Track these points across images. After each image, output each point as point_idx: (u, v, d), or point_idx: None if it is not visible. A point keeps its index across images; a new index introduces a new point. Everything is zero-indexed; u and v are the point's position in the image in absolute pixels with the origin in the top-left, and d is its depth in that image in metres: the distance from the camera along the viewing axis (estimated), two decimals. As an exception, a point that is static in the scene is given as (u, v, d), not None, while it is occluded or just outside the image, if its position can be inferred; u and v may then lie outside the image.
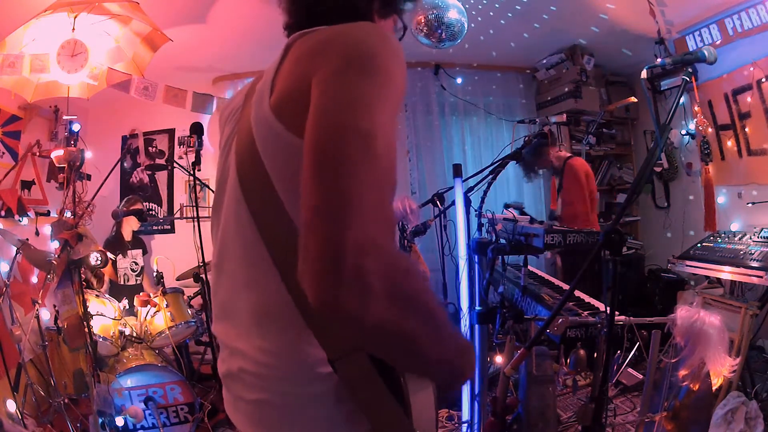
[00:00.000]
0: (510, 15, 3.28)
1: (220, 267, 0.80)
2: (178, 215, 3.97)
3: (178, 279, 3.26)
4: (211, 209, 0.87)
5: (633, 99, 3.74)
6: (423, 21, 2.67)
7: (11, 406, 2.38)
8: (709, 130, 3.33)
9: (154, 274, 3.19)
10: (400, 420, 0.64)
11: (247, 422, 0.74)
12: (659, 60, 1.42)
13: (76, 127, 2.68)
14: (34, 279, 2.97)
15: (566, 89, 3.98)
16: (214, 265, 0.82)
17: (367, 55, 0.61)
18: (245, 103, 0.76)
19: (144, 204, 3.87)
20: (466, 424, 2.15)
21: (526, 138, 2.22)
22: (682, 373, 1.73)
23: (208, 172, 3.93)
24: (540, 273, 2.59)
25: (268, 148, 0.66)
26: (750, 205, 3.07)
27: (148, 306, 2.82)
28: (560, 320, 1.59)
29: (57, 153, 2.73)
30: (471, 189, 2.21)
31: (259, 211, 0.69)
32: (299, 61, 0.66)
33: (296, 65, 0.66)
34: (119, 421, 2.33)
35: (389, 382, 0.64)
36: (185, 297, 3.03)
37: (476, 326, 2.01)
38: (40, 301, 2.57)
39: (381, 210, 0.55)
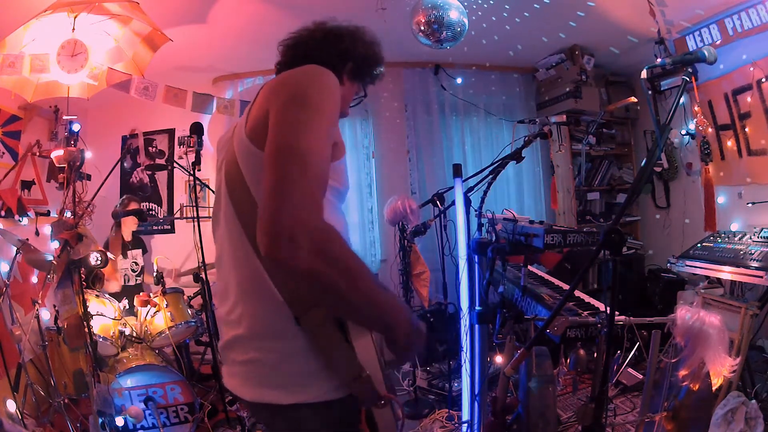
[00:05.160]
0: (508, 12, 3.28)
1: (220, 259, 1.03)
2: (178, 215, 3.97)
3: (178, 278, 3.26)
4: (212, 217, 1.08)
5: (633, 99, 3.73)
6: (423, 21, 2.67)
7: (11, 406, 2.39)
8: (709, 130, 3.32)
9: (155, 274, 3.19)
10: (351, 357, 0.87)
11: (240, 383, 0.95)
12: (659, 60, 1.42)
13: (76, 127, 2.67)
14: (34, 279, 2.97)
15: (566, 89, 3.97)
16: (216, 260, 1.06)
17: (302, 93, 0.87)
18: (233, 134, 1.00)
19: (142, 204, 3.88)
20: (466, 424, 2.15)
21: (526, 138, 2.22)
22: (682, 373, 1.72)
23: (208, 172, 3.94)
24: (540, 273, 2.58)
25: (244, 160, 0.92)
26: (750, 205, 3.07)
27: (148, 306, 2.82)
28: (560, 320, 1.59)
29: (57, 153, 2.73)
30: (471, 189, 2.21)
31: (240, 208, 0.93)
32: (264, 99, 0.91)
33: (262, 102, 0.91)
34: (119, 421, 2.33)
35: (341, 332, 0.87)
36: (185, 297, 3.04)
37: (476, 326, 2.01)
38: (40, 301, 2.57)
39: (309, 197, 0.78)
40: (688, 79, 1.30)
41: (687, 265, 2.77)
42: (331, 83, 0.90)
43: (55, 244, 2.48)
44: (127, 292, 3.19)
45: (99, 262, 2.46)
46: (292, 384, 0.89)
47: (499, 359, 2.18)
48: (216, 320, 1.15)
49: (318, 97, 0.87)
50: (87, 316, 2.38)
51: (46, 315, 2.76)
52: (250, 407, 0.98)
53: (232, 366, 0.97)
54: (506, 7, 3.18)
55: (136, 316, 2.90)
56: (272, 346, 0.90)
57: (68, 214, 2.72)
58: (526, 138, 2.20)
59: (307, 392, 0.89)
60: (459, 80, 4.25)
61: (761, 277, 2.25)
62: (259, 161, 0.86)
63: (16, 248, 2.61)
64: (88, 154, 2.96)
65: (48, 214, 3.36)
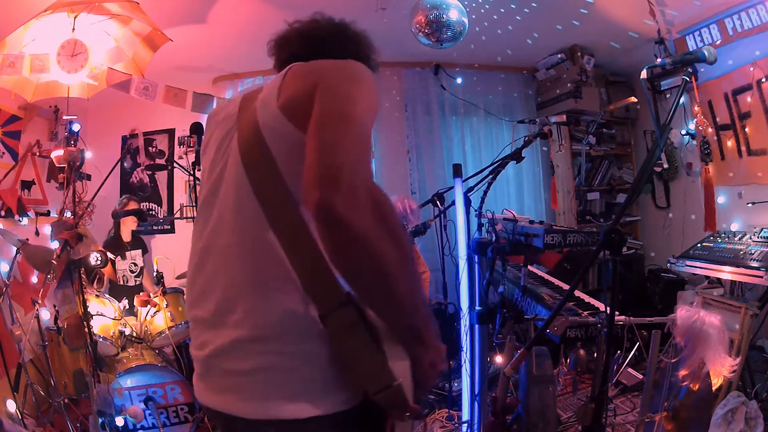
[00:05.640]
0: (508, 12, 3.28)
1: (207, 251, 0.89)
2: (178, 215, 3.97)
3: (178, 279, 3.26)
4: (200, 203, 0.95)
5: (633, 99, 3.73)
6: (423, 21, 2.67)
7: (11, 406, 2.38)
8: (709, 130, 3.32)
9: (155, 273, 3.19)
10: (382, 364, 0.75)
11: (237, 398, 0.79)
12: (659, 60, 1.42)
13: (76, 127, 2.67)
14: (34, 279, 2.97)
15: (566, 89, 3.97)
16: (198, 252, 0.91)
17: (355, 76, 0.85)
18: (243, 110, 0.93)
19: (141, 203, 3.87)
20: (466, 424, 2.15)
21: (526, 138, 2.22)
22: (682, 373, 1.72)
23: (208, 172, 3.93)
24: (540, 273, 2.58)
25: (275, 137, 0.83)
26: (750, 205, 3.07)
27: (148, 306, 2.82)
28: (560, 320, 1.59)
29: (57, 153, 2.73)
30: (471, 189, 2.21)
31: (262, 190, 0.82)
32: (305, 77, 0.86)
33: (302, 79, 0.85)
34: (119, 421, 2.33)
35: (371, 336, 0.75)
36: (185, 297, 3.03)
37: (476, 326, 2.01)
38: (40, 301, 2.57)
39: (362, 155, 0.75)
40: (688, 79, 1.30)
41: (687, 265, 2.77)
42: (373, 78, 0.89)
43: (55, 244, 2.48)
44: (127, 292, 3.19)
45: (99, 262, 2.46)
46: (311, 393, 0.77)
47: (499, 359, 2.18)
48: (193, 323, 0.92)
49: (366, 83, 0.85)
50: (87, 316, 2.38)
51: (46, 315, 2.75)
52: (246, 427, 0.80)
53: (224, 378, 0.81)
54: (509, 6, 3.18)
55: (136, 316, 2.90)
56: (288, 349, 0.78)
57: (68, 214, 2.72)
58: (526, 138, 2.20)
59: (328, 401, 0.78)
60: (459, 80, 4.25)
61: (761, 277, 2.25)
62: (292, 137, 0.81)
63: (16, 248, 2.61)
64: (88, 154, 2.96)
65: (48, 214, 3.36)
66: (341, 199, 0.67)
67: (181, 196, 4.19)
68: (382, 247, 0.72)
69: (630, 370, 2.78)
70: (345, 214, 0.67)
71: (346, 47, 1.02)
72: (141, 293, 2.96)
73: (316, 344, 0.78)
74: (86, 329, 2.36)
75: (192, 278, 0.92)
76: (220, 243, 0.86)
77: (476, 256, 2.06)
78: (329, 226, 0.69)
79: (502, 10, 3.23)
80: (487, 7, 3.16)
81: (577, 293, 2.03)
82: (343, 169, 0.69)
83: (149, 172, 4.24)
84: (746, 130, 3.12)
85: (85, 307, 2.38)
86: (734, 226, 3.20)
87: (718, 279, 2.75)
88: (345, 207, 0.67)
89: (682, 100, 1.36)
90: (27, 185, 3.34)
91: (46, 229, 3.02)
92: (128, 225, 3.43)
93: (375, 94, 0.86)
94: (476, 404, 2.08)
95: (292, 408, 0.76)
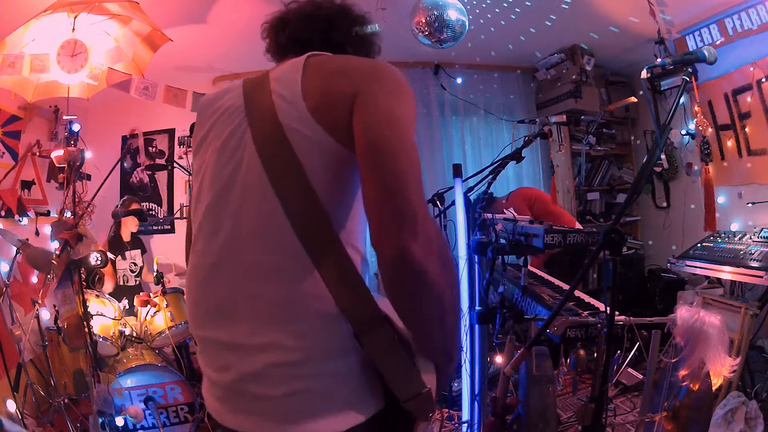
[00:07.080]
0: (508, 12, 3.28)
1: (220, 267, 0.81)
2: (178, 215, 3.97)
3: (178, 276, 3.26)
4: (203, 208, 0.85)
5: (633, 99, 3.73)
6: (423, 21, 2.67)
7: (11, 406, 2.38)
8: (709, 130, 3.32)
9: (154, 273, 3.20)
10: (416, 376, 0.75)
11: (268, 424, 0.76)
12: (659, 60, 1.42)
13: (76, 127, 2.68)
14: (34, 279, 2.97)
15: (566, 89, 3.97)
16: (206, 266, 0.83)
17: (397, 85, 0.80)
18: (251, 102, 0.84)
19: (142, 204, 3.87)
20: (466, 424, 2.15)
21: (526, 138, 2.22)
22: (682, 373, 1.72)
23: (208, 172, 3.92)
24: (540, 273, 2.58)
25: (302, 141, 0.77)
26: (750, 205, 3.07)
27: (148, 306, 2.82)
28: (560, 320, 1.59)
29: (57, 153, 2.73)
30: (471, 189, 2.21)
31: (291, 203, 0.76)
32: (335, 77, 0.80)
33: (332, 80, 0.79)
34: (119, 421, 2.33)
35: (405, 350, 0.76)
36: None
37: (476, 326, 2.01)
38: (40, 301, 2.57)
39: (422, 187, 0.73)
40: (688, 79, 1.30)
41: (687, 265, 2.77)
42: (408, 85, 0.86)
43: (55, 244, 2.48)
44: (127, 292, 3.19)
45: (99, 262, 2.46)
46: (345, 406, 0.76)
47: (499, 359, 2.18)
48: (205, 344, 0.85)
49: (408, 90, 0.82)
50: (87, 316, 2.38)
51: (46, 315, 2.75)
52: None
53: (254, 402, 0.77)
54: (509, 5, 3.18)
55: (136, 316, 2.90)
56: (326, 370, 0.76)
57: (68, 214, 2.72)
58: (526, 138, 2.20)
59: (362, 411, 0.77)
60: (459, 80, 4.25)
61: (761, 277, 2.25)
62: (326, 148, 0.76)
63: (16, 248, 2.61)
64: (88, 154, 2.96)
65: (48, 214, 3.36)
66: (419, 248, 0.68)
67: (181, 196, 4.18)
68: (444, 289, 0.74)
69: (630, 370, 2.77)
70: (423, 263, 0.69)
71: (352, 29, 0.96)
72: (141, 293, 2.96)
73: (349, 361, 0.77)
74: (86, 329, 2.35)
75: (198, 295, 0.85)
76: (239, 259, 0.79)
77: (476, 256, 2.06)
78: (406, 274, 0.70)
79: (505, 6, 3.22)
80: (488, 1, 3.15)
81: (577, 293, 2.03)
82: (417, 213, 0.69)
83: (149, 172, 4.24)
84: (746, 130, 3.12)
85: (85, 307, 2.38)
86: (734, 226, 3.20)
87: (718, 279, 2.75)
88: (423, 255, 0.68)
89: (682, 100, 1.36)
90: (27, 185, 3.34)
91: (46, 229, 3.02)
92: (129, 225, 3.43)
93: (414, 99, 0.82)
94: (476, 404, 2.08)
95: (329, 421, 0.75)
